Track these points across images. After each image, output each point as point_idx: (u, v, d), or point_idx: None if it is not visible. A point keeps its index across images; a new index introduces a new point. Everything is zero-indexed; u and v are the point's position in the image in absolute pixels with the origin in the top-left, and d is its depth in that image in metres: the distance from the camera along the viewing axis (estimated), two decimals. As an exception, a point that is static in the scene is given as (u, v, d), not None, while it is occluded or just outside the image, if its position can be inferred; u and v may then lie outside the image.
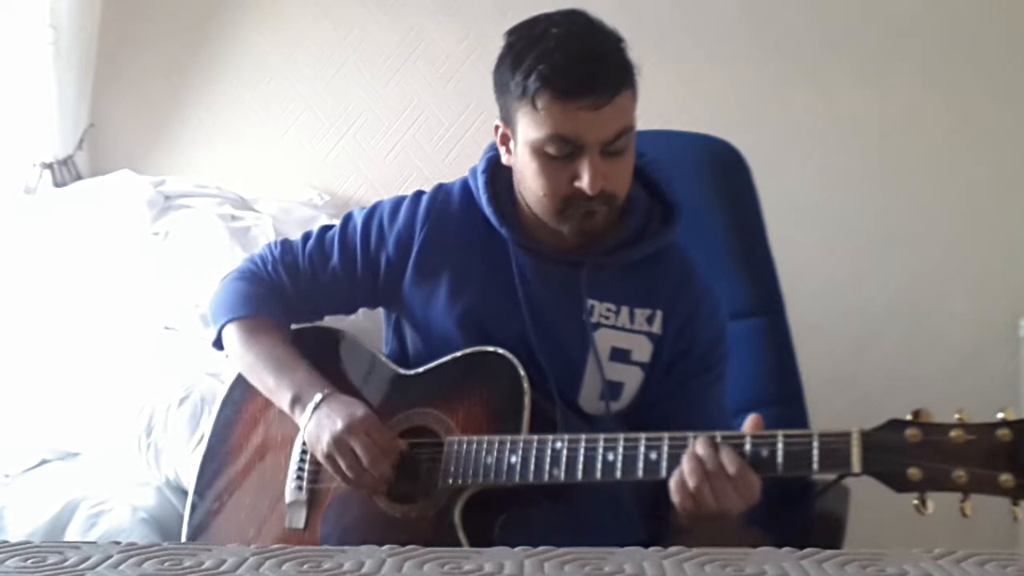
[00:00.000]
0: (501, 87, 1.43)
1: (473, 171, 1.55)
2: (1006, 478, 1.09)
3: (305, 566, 0.97)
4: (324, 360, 1.57)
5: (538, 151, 1.38)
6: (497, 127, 1.47)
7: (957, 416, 1.14)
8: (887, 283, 2.73)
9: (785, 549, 1.04)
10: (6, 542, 1.05)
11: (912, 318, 2.73)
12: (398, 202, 1.57)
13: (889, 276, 2.73)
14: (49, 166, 2.72)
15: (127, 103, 2.87)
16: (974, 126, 2.71)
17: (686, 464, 1.25)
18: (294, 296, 1.57)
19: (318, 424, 1.41)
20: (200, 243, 2.44)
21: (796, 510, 1.61)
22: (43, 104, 2.68)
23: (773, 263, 1.80)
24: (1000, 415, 1.11)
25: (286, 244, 1.60)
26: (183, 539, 1.57)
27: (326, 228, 1.59)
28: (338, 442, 1.38)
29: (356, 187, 2.84)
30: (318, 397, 1.43)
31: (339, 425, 1.39)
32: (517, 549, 1.03)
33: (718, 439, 1.25)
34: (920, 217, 2.73)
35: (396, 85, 2.82)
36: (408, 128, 2.83)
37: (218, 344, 1.57)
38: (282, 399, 1.47)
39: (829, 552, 1.02)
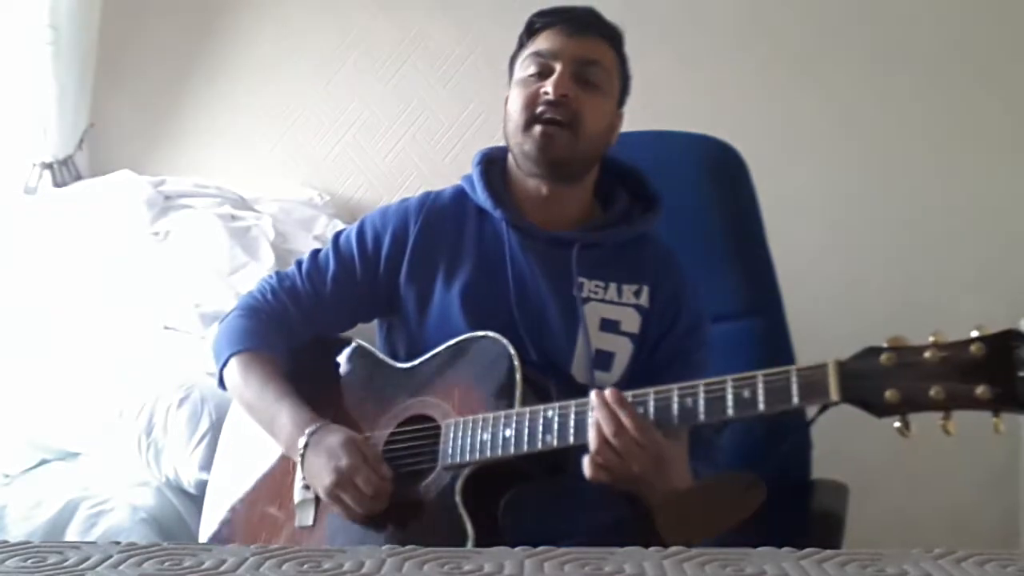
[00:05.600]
0: (511, 59, 1.58)
1: (466, 178, 1.62)
2: (982, 390, 1.08)
3: (305, 566, 0.97)
4: (325, 366, 1.60)
5: (521, 80, 1.53)
6: (506, 99, 1.57)
7: (931, 338, 1.13)
8: (887, 283, 2.73)
9: (785, 549, 1.04)
10: (6, 542, 1.05)
11: (912, 318, 2.72)
12: (385, 208, 1.64)
13: (889, 276, 2.74)
14: (49, 166, 2.72)
15: (127, 103, 2.87)
16: (974, 126, 2.71)
17: (589, 431, 1.29)
18: (297, 319, 1.60)
19: (316, 465, 1.43)
20: (200, 243, 2.44)
21: (794, 510, 1.61)
22: (43, 104, 2.68)
23: (771, 263, 1.80)
24: (975, 333, 1.11)
25: (281, 273, 1.64)
26: (200, 534, 1.60)
27: (317, 251, 1.65)
28: (342, 483, 1.40)
29: (356, 187, 2.84)
30: (303, 441, 1.44)
31: (327, 480, 1.40)
32: (517, 549, 1.03)
33: (629, 397, 1.29)
34: (920, 217, 2.73)
35: (396, 85, 2.82)
36: (408, 128, 2.83)
37: (222, 384, 1.59)
38: (277, 443, 1.51)
39: (829, 552, 1.02)
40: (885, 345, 1.15)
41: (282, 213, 2.63)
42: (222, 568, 0.95)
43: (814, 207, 2.73)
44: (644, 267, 1.56)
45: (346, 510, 1.40)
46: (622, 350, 1.53)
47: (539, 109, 1.49)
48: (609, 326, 1.53)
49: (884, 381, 1.14)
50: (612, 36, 1.56)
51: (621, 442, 1.27)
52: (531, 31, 1.56)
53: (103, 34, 2.76)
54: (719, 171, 1.82)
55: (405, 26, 2.80)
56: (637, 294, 1.55)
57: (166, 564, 0.96)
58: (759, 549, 1.03)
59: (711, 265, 1.72)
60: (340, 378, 1.59)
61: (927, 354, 1.12)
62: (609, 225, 1.57)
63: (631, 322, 1.54)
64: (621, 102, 1.58)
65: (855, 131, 2.73)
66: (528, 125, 1.50)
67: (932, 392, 1.10)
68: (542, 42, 1.53)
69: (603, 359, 1.52)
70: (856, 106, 2.73)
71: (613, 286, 1.55)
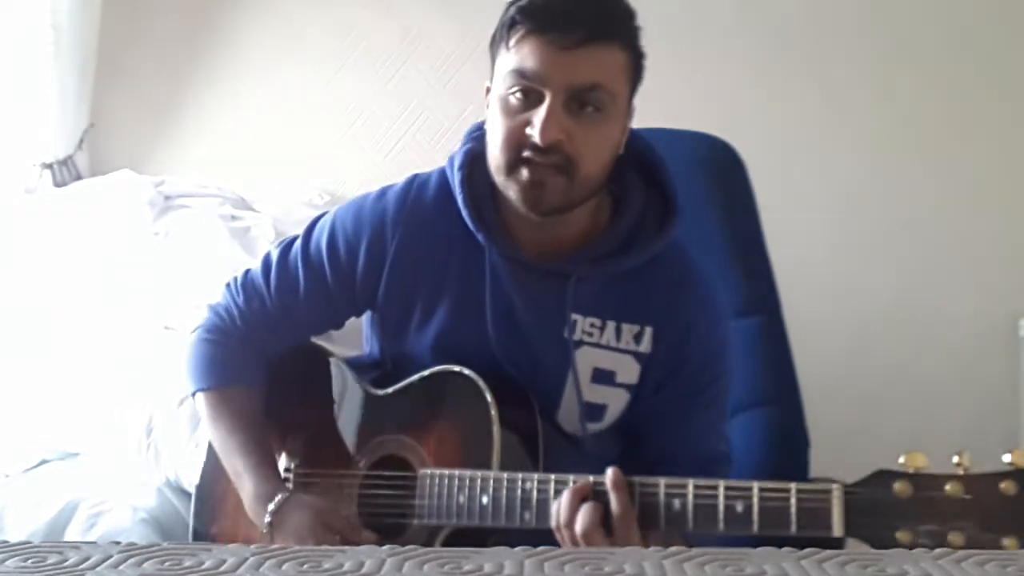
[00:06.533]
0: (491, 40, 1.34)
1: (451, 162, 1.42)
2: (1010, 543, 0.96)
3: (305, 566, 0.96)
4: (296, 385, 1.52)
5: (503, 99, 1.28)
6: (488, 89, 1.35)
7: (956, 461, 1.01)
8: (887, 283, 2.74)
9: (785, 549, 1.03)
10: (6, 542, 1.04)
11: (912, 318, 2.73)
12: (359, 206, 1.45)
13: (889, 276, 2.74)
14: (49, 166, 2.72)
15: (127, 103, 2.87)
16: (974, 125, 2.71)
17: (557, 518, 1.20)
18: (269, 340, 1.49)
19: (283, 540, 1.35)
20: (200, 243, 2.44)
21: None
22: (43, 104, 2.68)
23: (769, 262, 1.80)
24: (1007, 458, 0.97)
25: (248, 285, 1.48)
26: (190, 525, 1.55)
27: (286, 250, 1.47)
28: None
29: (356, 187, 2.84)
30: (267, 520, 1.35)
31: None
32: (517, 549, 1.03)
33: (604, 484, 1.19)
34: (920, 217, 2.73)
35: (396, 85, 2.82)
36: (408, 128, 2.83)
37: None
38: (242, 498, 1.42)
39: (829, 552, 1.02)
40: (900, 466, 1.02)
41: (282, 213, 2.63)
42: (222, 568, 0.95)
43: (813, 206, 2.73)
44: (650, 301, 1.37)
45: None
46: (616, 401, 1.39)
47: (525, 153, 1.27)
48: (603, 377, 1.37)
49: (896, 519, 1.01)
50: (617, 34, 1.29)
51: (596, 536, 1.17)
52: (512, 26, 1.28)
53: (103, 34, 2.76)
54: (718, 170, 1.82)
55: (405, 26, 2.80)
56: (638, 338, 1.37)
57: (166, 564, 0.96)
58: (759, 549, 1.03)
59: (709, 264, 1.72)
60: (318, 398, 1.50)
61: (948, 487, 0.99)
62: (613, 251, 1.37)
63: (628, 372, 1.38)
64: (633, 93, 1.35)
65: (855, 131, 2.74)
66: (512, 167, 1.28)
67: (950, 537, 0.98)
68: (527, 55, 1.25)
69: (593, 411, 1.38)
70: (856, 105, 2.73)
71: (611, 325, 1.37)
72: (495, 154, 1.31)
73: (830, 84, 2.73)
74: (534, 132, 1.25)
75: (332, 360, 1.53)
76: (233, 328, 1.49)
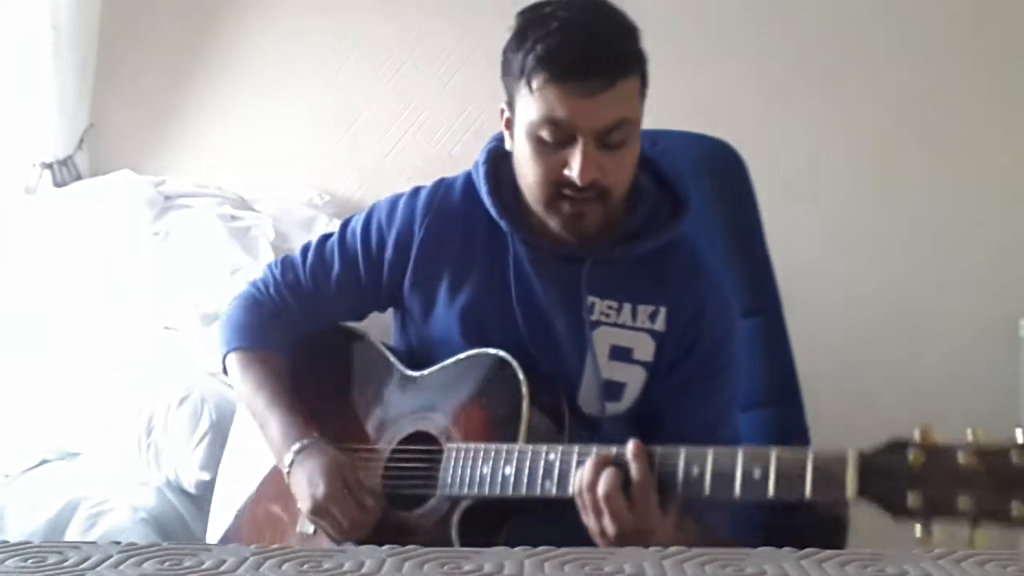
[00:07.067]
0: (505, 67, 1.40)
1: (476, 163, 1.51)
2: (1018, 508, 0.96)
3: (305, 566, 0.97)
4: (330, 362, 1.58)
5: (532, 135, 1.36)
6: (502, 110, 1.43)
7: (970, 434, 1.01)
8: (887, 283, 2.74)
9: (785, 549, 1.04)
10: (6, 542, 1.05)
11: (912, 318, 2.73)
12: (395, 200, 1.54)
13: (889, 276, 2.74)
14: (49, 166, 2.72)
15: (127, 103, 2.87)
16: (974, 126, 2.71)
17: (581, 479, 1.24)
18: (299, 315, 1.56)
19: (299, 486, 1.41)
20: (200, 243, 2.44)
21: (795, 510, 1.61)
22: (43, 104, 2.68)
23: (770, 263, 1.80)
24: (1019, 431, 0.97)
25: (286, 262, 1.58)
26: (208, 530, 1.60)
27: (325, 237, 1.57)
28: (318, 510, 1.38)
29: (356, 187, 2.84)
30: (289, 458, 1.42)
31: (306, 505, 1.39)
32: (517, 549, 1.03)
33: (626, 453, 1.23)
34: (920, 217, 2.73)
35: (396, 85, 2.82)
36: (408, 128, 2.83)
37: (225, 371, 1.58)
38: (269, 448, 1.49)
39: (829, 552, 1.02)
40: (916, 438, 1.03)
41: (282, 213, 2.63)
42: (222, 568, 0.95)
43: (813, 207, 2.73)
44: (663, 284, 1.45)
45: (327, 534, 1.39)
46: (634, 379, 1.44)
47: (565, 191, 1.36)
48: (620, 354, 1.43)
49: (908, 482, 1.02)
50: (632, 66, 1.36)
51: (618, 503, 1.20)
52: (532, 68, 1.33)
53: (103, 34, 2.76)
54: (718, 170, 1.81)
55: (405, 26, 2.80)
56: (653, 317, 1.44)
57: (166, 564, 0.96)
58: (759, 549, 1.03)
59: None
60: (351, 376, 1.56)
61: (961, 457, 1.00)
62: (628, 239, 1.44)
63: (644, 349, 1.44)
64: (644, 99, 1.41)
65: (854, 131, 2.74)
66: (550, 202, 1.38)
67: (960, 503, 0.99)
68: (555, 104, 1.32)
69: (613, 389, 1.43)
70: (855, 106, 2.73)
71: (627, 307, 1.44)
72: (533, 191, 1.39)
73: (830, 84, 2.73)
74: (572, 175, 1.34)
75: (368, 341, 1.58)
76: (267, 299, 1.56)
